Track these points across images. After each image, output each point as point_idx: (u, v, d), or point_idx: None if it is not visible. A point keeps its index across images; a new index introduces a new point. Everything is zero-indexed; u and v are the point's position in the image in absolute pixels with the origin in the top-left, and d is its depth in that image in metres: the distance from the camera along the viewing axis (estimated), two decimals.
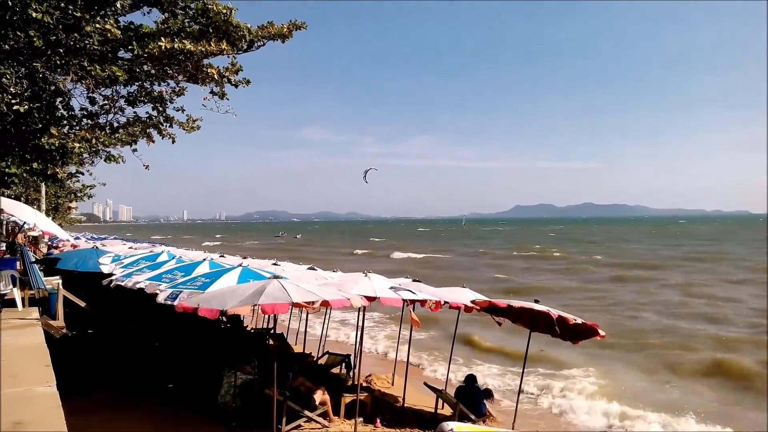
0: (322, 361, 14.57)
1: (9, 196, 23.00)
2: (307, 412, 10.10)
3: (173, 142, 12.64)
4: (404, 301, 10.78)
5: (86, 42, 10.48)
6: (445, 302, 11.48)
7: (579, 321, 10.22)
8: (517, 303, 10.77)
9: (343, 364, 13.97)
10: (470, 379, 11.80)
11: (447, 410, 11.77)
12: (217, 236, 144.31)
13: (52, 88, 11.62)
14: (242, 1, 12.63)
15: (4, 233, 40.30)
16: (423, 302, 11.28)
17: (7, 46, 10.13)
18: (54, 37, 10.06)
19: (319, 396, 10.44)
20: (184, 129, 12.78)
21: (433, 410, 12.03)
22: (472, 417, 10.82)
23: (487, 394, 11.85)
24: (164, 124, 12.59)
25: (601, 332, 10.21)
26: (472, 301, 11.42)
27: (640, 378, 15.99)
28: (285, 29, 11.54)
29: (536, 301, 10.82)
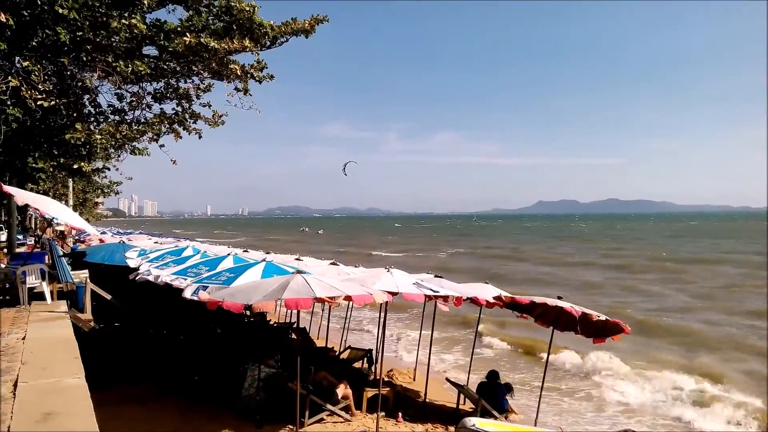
0: (344, 355, 14.65)
1: (37, 192, 23.47)
2: (329, 406, 10.18)
3: (200, 137, 12.79)
4: (426, 296, 10.80)
5: (113, 39, 10.63)
6: (467, 298, 11.46)
7: (602, 318, 10.13)
8: (540, 299, 10.71)
9: (365, 359, 14.03)
10: (492, 374, 11.77)
11: (469, 406, 11.77)
12: (240, 231, 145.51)
13: (80, 84, 11.82)
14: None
15: (33, 228, 41.15)
16: (445, 298, 11.28)
17: (35, 43, 10.33)
18: (81, 34, 10.22)
19: (342, 390, 10.51)
20: (209, 124, 12.94)
21: (454, 406, 12.04)
22: (495, 413, 10.79)
23: (508, 389, 11.81)
24: (189, 120, 12.75)
25: (627, 328, 10.10)
26: (495, 297, 11.37)
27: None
28: (307, 24, 11.60)
29: (559, 298, 10.75)
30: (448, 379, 12.96)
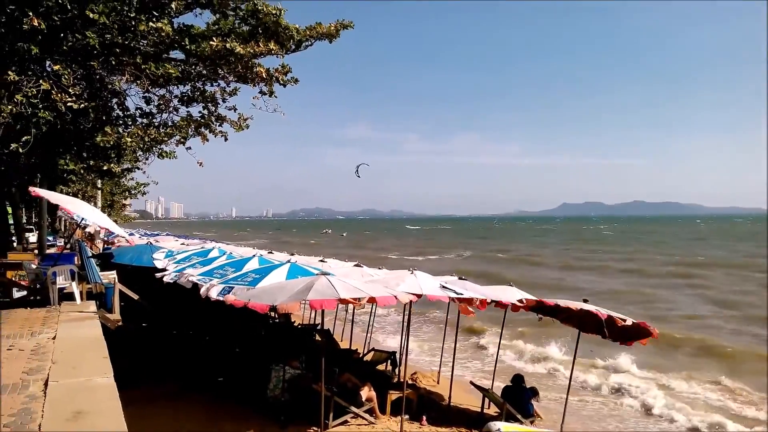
0: (368, 357, 14.65)
1: (67, 193, 23.90)
2: (353, 408, 10.18)
3: (225, 139, 12.92)
4: (450, 298, 10.75)
5: (140, 42, 10.79)
6: (492, 300, 11.37)
7: (629, 322, 9.98)
8: (565, 303, 10.60)
9: (389, 361, 14.00)
10: (517, 378, 11.65)
11: (493, 410, 11.67)
12: (266, 233, 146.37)
13: (109, 87, 12.01)
14: (288, 0, 12.82)
15: (63, 229, 41.93)
16: (469, 300, 11.20)
17: (65, 47, 10.52)
18: (109, 38, 10.39)
19: (366, 392, 10.50)
20: (234, 128, 13.06)
21: (479, 409, 11.95)
22: (520, 417, 10.69)
23: (534, 393, 11.69)
24: (215, 123, 12.88)
25: (655, 332, 9.95)
26: (520, 300, 11.27)
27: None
28: (332, 29, 11.66)
29: (585, 301, 10.63)
30: (472, 383, 12.87)
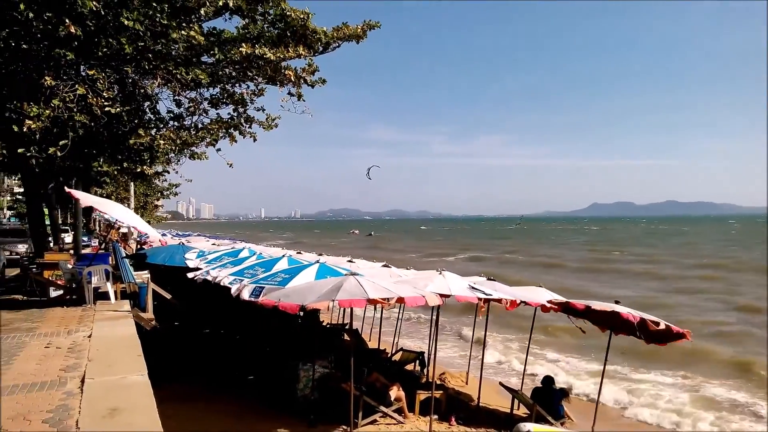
0: (396, 357, 14.67)
1: (101, 195, 24.41)
2: (382, 408, 10.22)
3: (254, 140, 13.08)
4: (479, 299, 10.71)
5: (172, 48, 11.00)
6: (521, 301, 11.29)
7: (662, 326, 9.81)
8: (596, 304, 10.45)
9: (417, 361, 14.01)
10: (548, 380, 11.55)
11: (523, 411, 11.59)
12: (293, 233, 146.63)
13: (141, 91, 12.25)
14: (314, 1, 12.94)
15: (97, 230, 42.83)
16: (498, 301, 11.15)
17: (100, 53, 10.76)
18: (142, 44, 10.61)
19: (395, 392, 10.53)
20: (263, 128, 13.21)
21: (508, 410, 11.88)
22: (550, 419, 10.60)
23: (564, 394, 11.57)
24: (244, 124, 13.05)
25: (689, 335, 9.77)
26: (549, 301, 11.17)
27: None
28: (359, 30, 11.72)
29: (617, 302, 10.48)
30: (501, 384, 12.79)
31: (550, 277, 36.71)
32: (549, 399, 11.03)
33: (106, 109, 10.42)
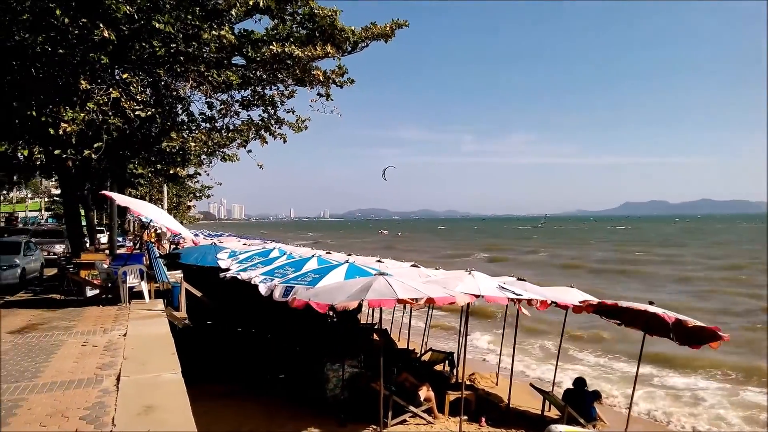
0: (425, 357, 14.62)
1: (135, 196, 24.89)
2: (412, 408, 10.20)
3: (284, 141, 13.20)
4: (509, 299, 10.61)
5: (204, 50, 11.15)
6: (552, 302, 11.16)
7: (698, 324, 9.60)
8: (628, 305, 10.27)
9: (446, 362, 13.94)
10: (579, 381, 11.40)
11: (554, 413, 11.45)
12: (315, 233, 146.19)
13: (174, 94, 12.45)
14: (345, 1, 13.00)
15: (131, 230, 43.67)
16: (529, 301, 11.04)
17: (133, 56, 10.98)
18: (174, 46, 10.78)
19: (424, 392, 10.50)
20: (293, 129, 13.31)
21: (539, 412, 11.75)
22: (582, 421, 10.45)
23: (596, 396, 11.40)
24: (275, 125, 13.16)
25: (725, 336, 9.53)
26: (581, 302, 11.02)
27: None
28: (388, 29, 11.74)
29: (651, 303, 10.28)
30: (532, 385, 12.66)
31: (565, 279, 34.19)
32: (581, 401, 10.87)
33: (137, 112, 10.62)
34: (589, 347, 18.90)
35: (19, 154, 11.20)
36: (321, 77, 12.06)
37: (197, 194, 45.20)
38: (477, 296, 10.27)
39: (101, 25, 9.62)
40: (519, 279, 12.30)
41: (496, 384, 14.06)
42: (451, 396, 10.98)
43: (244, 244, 21.50)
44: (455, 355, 13.84)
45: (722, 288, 33.51)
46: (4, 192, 53.74)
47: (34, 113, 10.58)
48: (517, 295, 10.58)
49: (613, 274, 42.90)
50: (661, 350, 15.50)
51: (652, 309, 9.79)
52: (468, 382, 13.17)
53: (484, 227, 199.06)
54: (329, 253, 15.86)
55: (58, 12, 9.43)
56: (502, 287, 10.82)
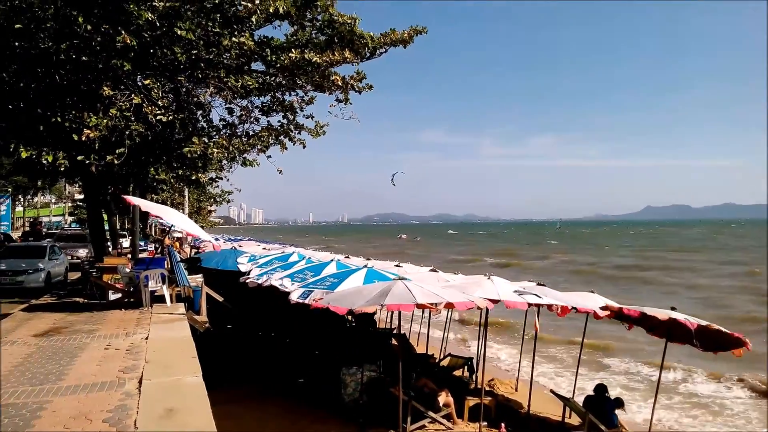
0: (444, 363, 14.55)
1: (157, 201, 25.16)
2: (431, 413, 10.16)
3: (304, 147, 13.27)
4: (529, 304, 10.53)
5: (224, 56, 11.27)
6: (573, 307, 11.05)
7: (721, 330, 9.45)
8: (651, 311, 10.13)
9: (465, 367, 13.86)
10: (600, 388, 11.25)
11: (575, 420, 11.33)
12: (327, 238, 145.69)
13: (194, 100, 12.59)
14: (365, 1, 13.08)
15: (153, 235, 44.15)
16: (549, 307, 10.94)
17: (155, 63, 11.12)
18: (195, 53, 10.91)
19: (443, 398, 10.46)
20: (311, 135, 13.38)
21: (559, 419, 11.63)
22: (603, 428, 10.32)
23: (619, 403, 11.24)
24: (294, 131, 13.24)
25: (748, 343, 9.37)
26: (602, 308, 10.89)
27: None
28: (406, 35, 11.76)
29: (673, 309, 10.14)
30: (552, 391, 12.54)
31: (570, 285, 32.83)
32: (602, 407, 10.74)
33: (159, 117, 10.75)
34: (613, 353, 18.67)
35: (44, 159, 11.35)
36: (340, 83, 12.11)
37: (217, 199, 45.61)
38: (496, 301, 10.21)
39: (123, 32, 9.77)
40: (539, 284, 12.20)
41: (516, 390, 13.95)
42: (471, 402, 10.93)
43: (264, 249, 21.62)
44: (474, 361, 13.76)
45: (741, 295, 32.76)
46: (29, 197, 54.66)
47: (58, 119, 10.76)
48: (536, 300, 10.50)
49: (626, 281, 41.74)
50: (686, 357, 15.30)
51: (674, 315, 9.65)
52: (487, 388, 13.08)
53: (495, 231, 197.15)
54: (348, 257, 15.89)
55: (81, 20, 9.59)
56: (521, 292, 10.75)
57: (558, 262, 59.88)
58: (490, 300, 10.02)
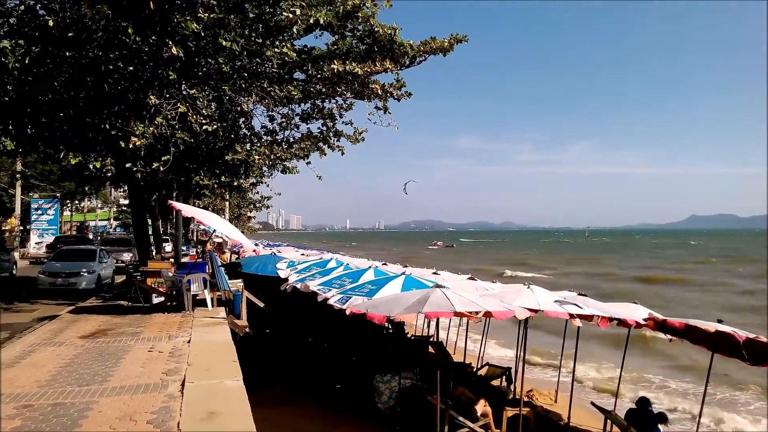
0: (482, 372, 14.42)
1: (199, 206, 25.66)
2: (469, 423, 10.06)
3: (342, 153, 13.39)
4: (570, 315, 10.36)
5: (266, 66, 11.47)
6: (614, 318, 10.83)
7: None
8: (696, 323, 9.86)
9: (504, 377, 13.70)
10: (643, 401, 10.98)
11: None
12: (357, 243, 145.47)
13: (237, 108, 12.83)
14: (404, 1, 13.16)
15: (194, 240, 44.98)
16: (589, 317, 10.75)
17: (200, 72, 11.39)
18: (239, 63, 11.13)
19: (481, 407, 10.35)
20: (350, 141, 13.49)
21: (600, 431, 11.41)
22: None
23: (662, 418, 10.94)
24: (333, 138, 13.37)
25: None
26: (645, 319, 10.65)
27: None
28: (446, 43, 11.78)
29: (720, 321, 9.84)
30: (593, 403, 12.29)
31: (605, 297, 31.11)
32: (644, 421, 10.48)
33: (204, 126, 10.99)
34: (658, 365, 18.23)
35: (91, 165, 11.74)
36: (379, 91, 12.20)
37: (257, 205, 46.24)
38: (536, 311, 10.09)
39: (170, 43, 10.03)
40: (580, 293, 12.00)
41: (555, 401, 13.73)
42: (509, 412, 10.79)
43: (302, 254, 21.82)
44: (512, 371, 13.60)
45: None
46: (76, 202, 56.32)
47: (106, 127, 11.11)
48: (578, 309, 10.33)
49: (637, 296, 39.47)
50: (738, 371, 14.81)
51: (721, 328, 9.37)
52: (526, 399, 12.90)
53: (513, 239, 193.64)
54: (385, 264, 15.91)
55: (130, 30, 9.89)
56: (562, 302, 10.59)
57: (562, 274, 56.45)
58: (530, 309, 9.90)
